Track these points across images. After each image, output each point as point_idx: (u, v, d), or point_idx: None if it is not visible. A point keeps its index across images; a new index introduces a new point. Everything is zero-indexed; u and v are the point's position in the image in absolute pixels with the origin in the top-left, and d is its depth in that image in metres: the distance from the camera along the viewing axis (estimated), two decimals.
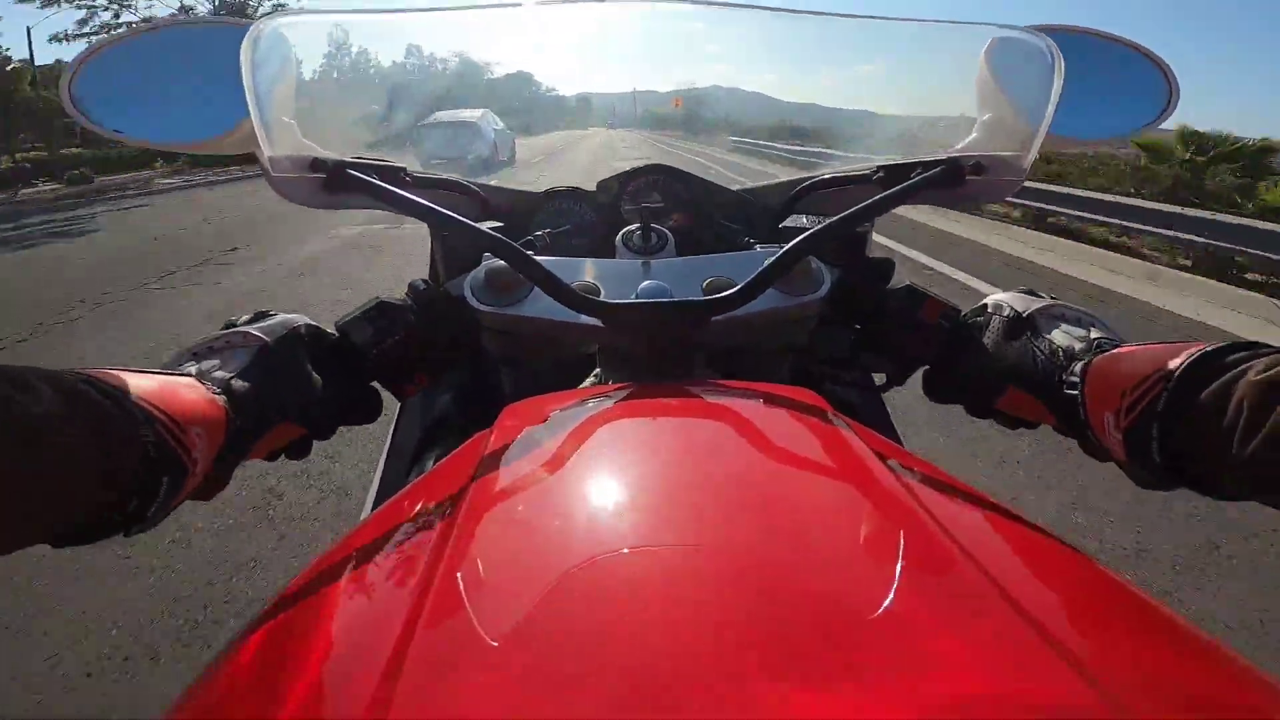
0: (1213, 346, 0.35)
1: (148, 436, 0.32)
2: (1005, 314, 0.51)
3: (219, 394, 0.39)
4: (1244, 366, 0.33)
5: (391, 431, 0.75)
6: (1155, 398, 0.36)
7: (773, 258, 0.50)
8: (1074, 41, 0.58)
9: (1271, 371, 0.31)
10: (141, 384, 0.34)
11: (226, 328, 0.47)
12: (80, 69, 0.59)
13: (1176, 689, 0.21)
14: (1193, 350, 0.36)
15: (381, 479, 0.72)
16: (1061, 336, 0.47)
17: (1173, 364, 0.36)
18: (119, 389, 0.32)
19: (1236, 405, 0.32)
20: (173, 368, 0.42)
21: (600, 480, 0.33)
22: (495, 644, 0.21)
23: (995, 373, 0.49)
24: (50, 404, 0.27)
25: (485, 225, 0.56)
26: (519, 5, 0.65)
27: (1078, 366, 0.43)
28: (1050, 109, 0.51)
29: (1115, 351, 0.42)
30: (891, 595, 0.23)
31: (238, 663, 0.27)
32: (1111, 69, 0.64)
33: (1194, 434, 0.35)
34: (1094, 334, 0.46)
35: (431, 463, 0.68)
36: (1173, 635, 0.25)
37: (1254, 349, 0.34)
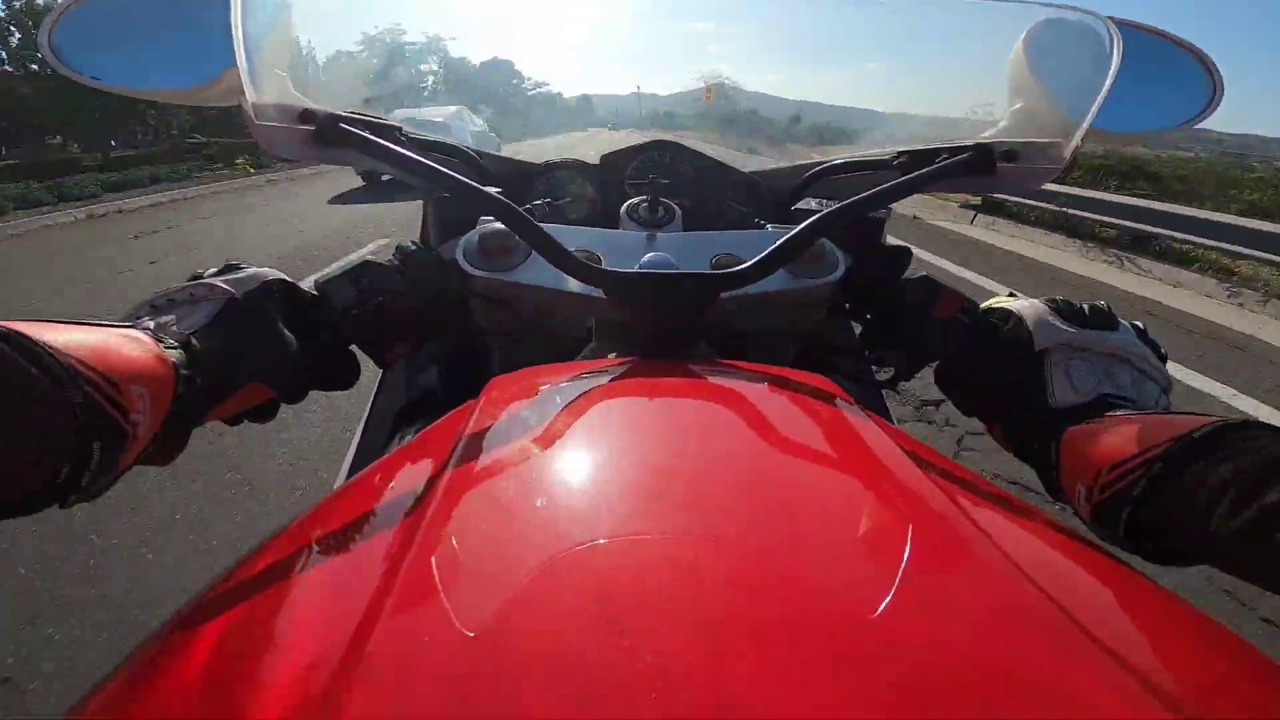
0: (1200, 430, 0.33)
1: (74, 397, 0.28)
2: (1022, 337, 0.46)
3: (173, 349, 0.36)
4: (1226, 450, 0.32)
5: (371, 402, 0.72)
6: (1132, 483, 0.35)
7: (786, 235, 0.47)
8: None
9: (1256, 457, 0.30)
10: (70, 338, 0.30)
11: (192, 279, 0.43)
12: (63, 16, 0.57)
13: (1200, 675, 0.21)
14: (1178, 432, 0.34)
15: (356, 452, 0.69)
16: (1063, 387, 0.43)
17: (1155, 449, 0.34)
18: (38, 343, 0.28)
19: (1216, 490, 0.31)
20: (130, 320, 0.38)
21: (591, 462, 0.30)
22: (471, 634, 0.20)
23: (983, 400, 0.48)
24: None
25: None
26: None
27: (1063, 427, 0.41)
28: (1102, 94, 0.48)
29: (1098, 422, 0.40)
30: (894, 590, 0.21)
31: (177, 641, 0.24)
32: (1151, 61, 0.61)
33: (1166, 517, 0.34)
34: (1105, 389, 0.42)
35: (411, 436, 0.65)
36: (1188, 622, 0.25)
37: (1240, 431, 0.33)
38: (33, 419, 0.27)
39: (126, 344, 0.33)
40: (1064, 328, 0.45)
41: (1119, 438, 0.37)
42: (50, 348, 0.29)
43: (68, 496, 0.29)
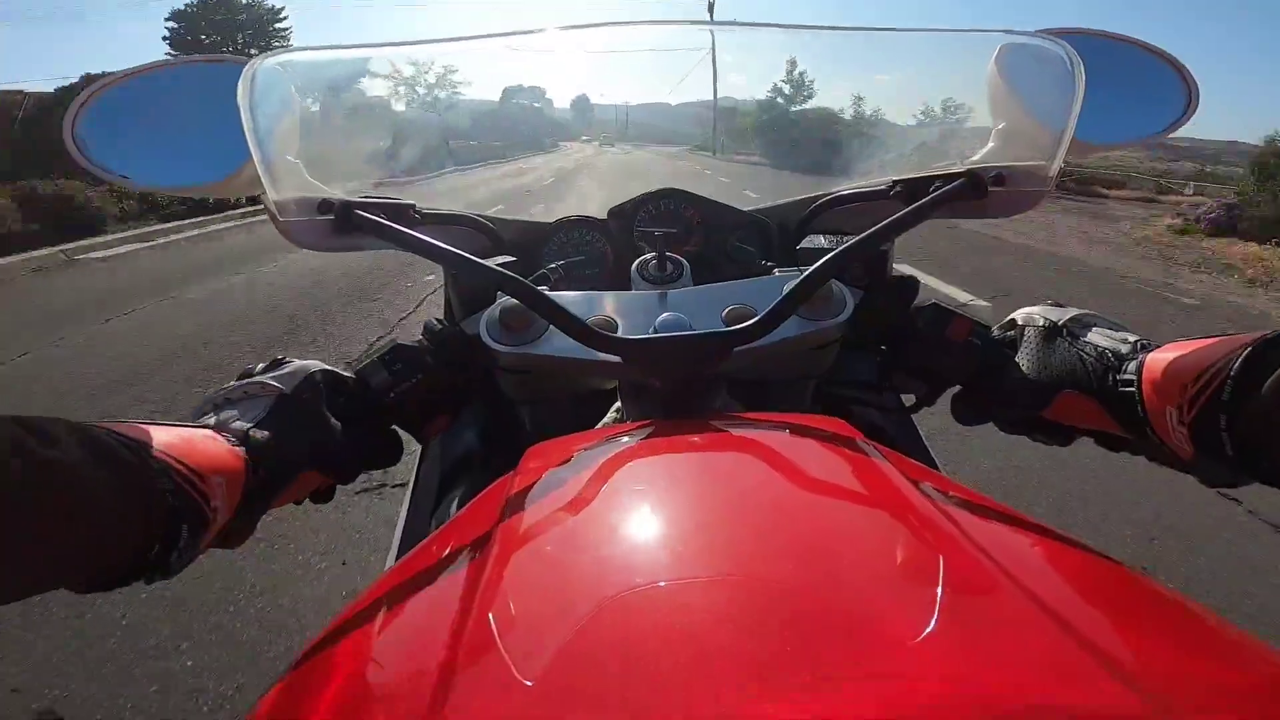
0: (1274, 333, 0.34)
1: (166, 486, 0.32)
2: (1039, 324, 0.50)
3: (238, 445, 0.39)
4: None
5: (415, 472, 0.75)
6: (1219, 387, 0.35)
7: (793, 283, 0.49)
8: (1086, 44, 0.57)
9: None
10: (159, 436, 0.35)
11: (243, 377, 0.46)
12: (81, 111, 0.58)
13: (1237, 700, 0.21)
14: (1254, 338, 0.35)
15: (407, 519, 0.71)
16: (1104, 339, 0.46)
17: (1234, 353, 0.35)
18: (137, 440, 0.33)
19: None
20: (192, 420, 0.42)
21: (628, 518, 0.32)
22: (529, 683, 0.21)
23: (1045, 379, 0.48)
24: (71, 452, 0.28)
25: (497, 261, 0.54)
26: (525, 33, 0.63)
27: (1130, 365, 0.43)
28: (1073, 115, 0.50)
29: (1169, 346, 0.42)
30: (934, 621, 0.22)
31: (278, 709, 0.27)
32: (1126, 72, 0.63)
33: (1264, 423, 0.33)
34: (1132, 336, 0.46)
35: (455, 502, 0.68)
36: (1227, 644, 0.25)
37: None
38: (131, 502, 0.31)
39: (205, 441, 0.38)
40: (1066, 308, 0.50)
41: (1194, 354, 0.38)
42: (145, 444, 0.33)
43: (154, 573, 0.33)
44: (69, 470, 0.27)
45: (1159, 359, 0.41)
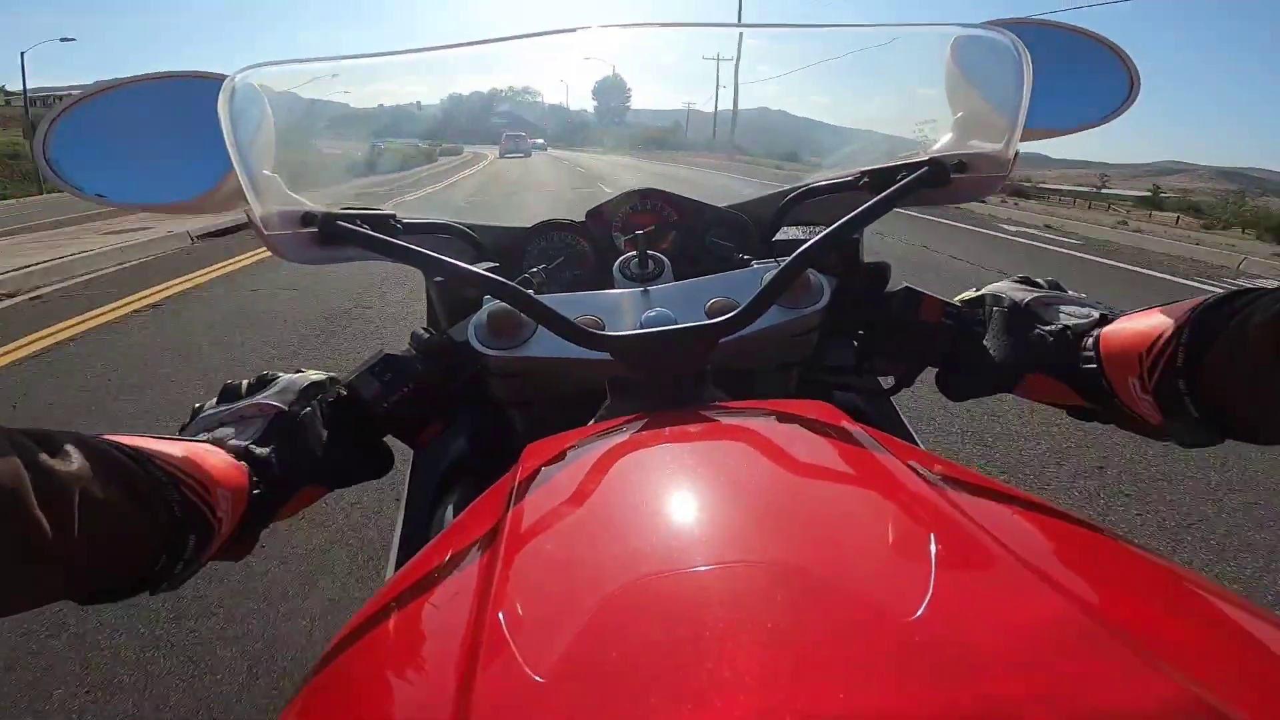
0: (1214, 297, 0.36)
1: (173, 496, 0.33)
2: (1004, 305, 0.52)
3: (240, 460, 0.40)
4: (1248, 310, 0.34)
5: (408, 480, 0.74)
6: (1173, 354, 0.37)
7: (772, 274, 0.50)
8: (1031, 33, 0.60)
9: (1273, 311, 0.32)
10: (164, 449, 0.35)
11: (229, 396, 0.46)
12: (52, 129, 0.57)
13: (1238, 663, 0.22)
14: (1198, 302, 0.37)
15: (403, 527, 0.71)
16: (1065, 317, 0.48)
17: (1181, 319, 0.37)
18: (143, 452, 0.33)
19: (1251, 349, 0.33)
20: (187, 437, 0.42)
21: (630, 510, 0.33)
22: (540, 680, 0.21)
23: (1010, 362, 0.50)
24: (78, 465, 0.28)
25: (481, 267, 0.55)
26: (495, 40, 0.63)
27: (1089, 341, 0.44)
28: (1024, 102, 0.52)
29: (1124, 318, 0.43)
30: (930, 594, 0.23)
31: (305, 717, 0.27)
32: (1071, 59, 0.66)
33: (1219, 382, 0.35)
34: (1096, 311, 0.47)
35: (451, 508, 0.68)
36: (1223, 608, 0.25)
37: (1251, 293, 0.35)
38: (139, 513, 0.31)
39: (210, 455, 0.38)
40: (1036, 285, 0.52)
41: (1145, 324, 0.40)
42: (150, 456, 0.33)
43: (160, 583, 0.33)
44: (78, 482, 0.28)
45: (1114, 332, 0.43)
